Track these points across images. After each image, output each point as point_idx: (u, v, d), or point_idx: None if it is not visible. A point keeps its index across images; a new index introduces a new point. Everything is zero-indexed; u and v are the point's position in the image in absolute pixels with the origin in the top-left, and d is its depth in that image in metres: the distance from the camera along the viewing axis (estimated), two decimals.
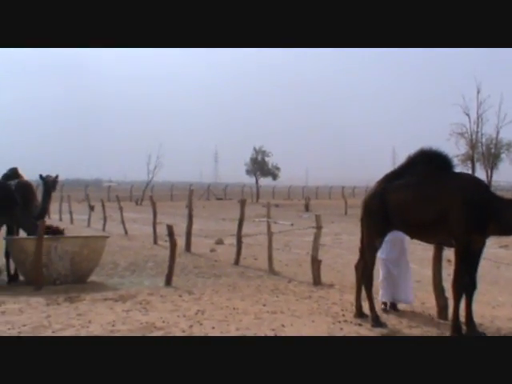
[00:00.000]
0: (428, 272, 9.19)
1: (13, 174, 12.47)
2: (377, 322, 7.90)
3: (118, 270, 12.90)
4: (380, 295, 8.97)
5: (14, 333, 7.19)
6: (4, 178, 12.35)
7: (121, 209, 23.35)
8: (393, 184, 7.92)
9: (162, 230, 19.02)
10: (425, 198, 7.60)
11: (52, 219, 12.08)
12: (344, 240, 19.56)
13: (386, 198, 7.89)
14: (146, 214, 31.22)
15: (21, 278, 11.49)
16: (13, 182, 12.11)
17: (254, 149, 64.24)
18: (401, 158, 8.71)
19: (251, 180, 66.77)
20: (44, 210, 11.82)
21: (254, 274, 12.39)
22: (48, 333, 7.27)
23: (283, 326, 7.71)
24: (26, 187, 11.99)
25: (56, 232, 11.53)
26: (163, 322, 7.82)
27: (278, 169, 64.65)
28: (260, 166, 63.89)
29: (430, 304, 8.92)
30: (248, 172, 64.97)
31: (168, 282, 10.80)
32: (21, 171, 12.62)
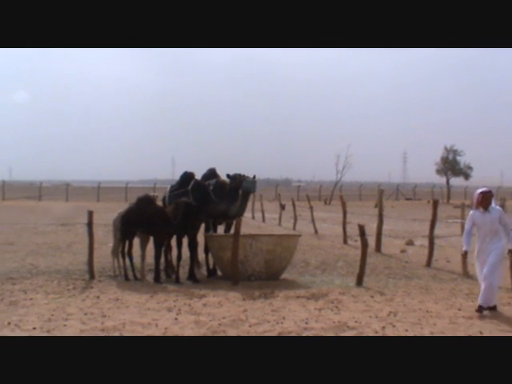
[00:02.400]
0: None
1: (211, 174, 13.21)
2: None
3: (309, 268, 13.10)
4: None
5: (214, 324, 7.61)
6: (203, 178, 13.10)
7: (311, 208, 23.72)
8: None
9: (351, 230, 19.05)
10: None
11: (245, 217, 12.65)
12: None
13: None
14: (334, 213, 31.45)
15: (218, 272, 12.12)
16: (211, 182, 12.82)
17: (445, 148, 61.88)
18: None
19: (441, 180, 64.49)
20: (241, 209, 12.34)
21: (447, 277, 11.97)
22: (245, 326, 7.59)
23: (481, 332, 7.38)
24: (222, 187, 12.60)
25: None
26: (355, 321, 7.83)
27: (470, 168, 61.66)
28: (451, 165, 61.35)
29: None
30: (438, 172, 62.67)
31: (359, 281, 10.79)
32: (218, 171, 13.35)
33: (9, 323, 7.55)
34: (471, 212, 8.86)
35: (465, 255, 8.98)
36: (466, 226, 8.90)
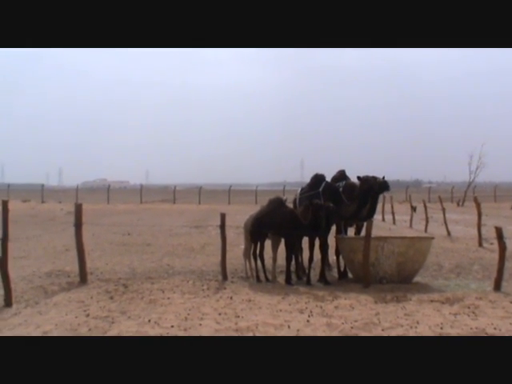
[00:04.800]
0: None
1: (341, 176, 13.18)
2: None
3: (443, 271, 12.71)
4: None
5: (347, 327, 7.57)
6: (333, 180, 13.10)
7: (443, 210, 23.01)
8: None
9: (486, 232, 18.30)
10: None
11: (375, 219, 12.50)
12: None
13: None
14: (468, 215, 30.36)
15: (349, 275, 12.04)
16: (340, 184, 12.79)
17: None
18: None
19: None
20: (372, 211, 12.18)
21: None
22: (378, 330, 7.49)
23: None
24: (352, 188, 12.52)
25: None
26: (495, 328, 7.49)
27: None
28: None
29: None
30: None
31: (497, 286, 10.31)
32: (348, 173, 13.29)
33: (149, 320, 7.92)
34: None
35: None
36: None
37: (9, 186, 60.61)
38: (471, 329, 7.47)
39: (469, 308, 8.73)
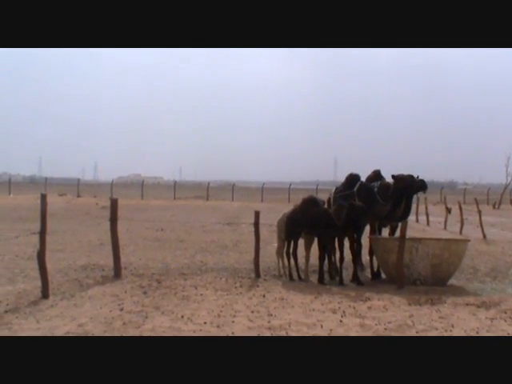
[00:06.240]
0: None
1: (375, 175, 13.06)
2: None
3: (478, 275, 12.53)
4: None
5: (380, 328, 7.51)
6: (367, 179, 12.99)
7: (479, 212, 22.69)
8: None
9: None
10: None
11: (409, 220, 12.28)
12: None
13: None
14: (504, 218, 29.95)
15: (382, 275, 11.95)
16: (375, 184, 12.67)
17: None
18: None
19: None
20: (406, 211, 12.04)
21: None
22: (412, 332, 7.42)
23: None
24: (387, 189, 12.39)
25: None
26: None
27: None
28: None
29: None
30: None
31: None
32: (383, 173, 13.16)
33: (182, 316, 7.96)
34: None
35: None
36: None
37: (46, 179, 61.52)
38: (508, 334, 7.36)
39: (505, 313, 8.58)
